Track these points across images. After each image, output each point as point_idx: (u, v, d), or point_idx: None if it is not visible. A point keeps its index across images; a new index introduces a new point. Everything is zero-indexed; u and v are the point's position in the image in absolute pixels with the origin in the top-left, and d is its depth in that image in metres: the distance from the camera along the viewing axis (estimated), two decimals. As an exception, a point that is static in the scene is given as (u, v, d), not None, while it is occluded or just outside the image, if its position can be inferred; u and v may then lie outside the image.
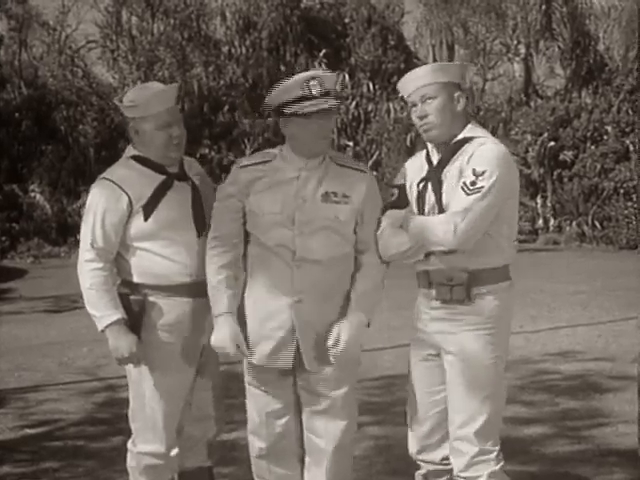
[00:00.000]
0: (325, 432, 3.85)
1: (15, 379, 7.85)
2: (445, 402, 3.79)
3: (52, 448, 5.74)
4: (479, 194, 3.53)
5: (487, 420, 3.71)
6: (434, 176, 3.72)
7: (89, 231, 3.94)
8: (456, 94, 3.74)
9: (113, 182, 3.93)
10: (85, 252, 3.95)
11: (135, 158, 4.02)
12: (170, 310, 3.95)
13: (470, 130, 3.74)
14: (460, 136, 3.71)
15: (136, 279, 3.97)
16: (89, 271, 3.93)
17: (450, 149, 3.71)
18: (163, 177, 3.97)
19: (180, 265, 3.95)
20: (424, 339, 3.81)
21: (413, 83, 3.74)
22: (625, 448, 5.39)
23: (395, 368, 7.60)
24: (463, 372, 3.70)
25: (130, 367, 4.02)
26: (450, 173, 3.67)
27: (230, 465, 4.98)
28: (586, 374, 7.48)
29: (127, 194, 3.90)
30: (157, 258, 3.94)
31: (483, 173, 3.54)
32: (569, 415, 6.24)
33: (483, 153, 3.62)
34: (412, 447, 3.94)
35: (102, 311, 3.95)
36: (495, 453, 3.74)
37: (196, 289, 3.92)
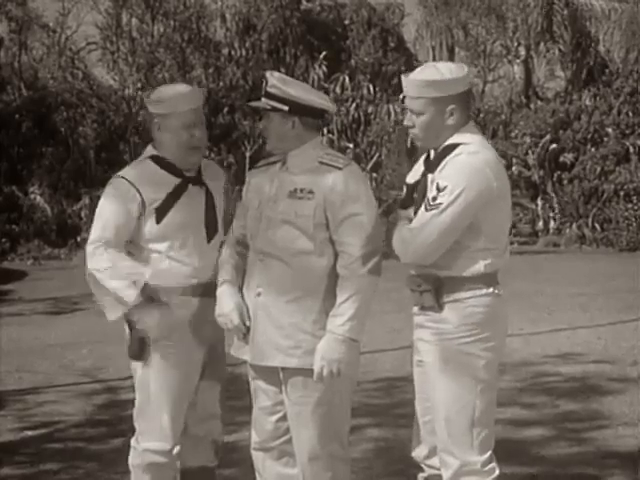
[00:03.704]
0: (297, 440, 3.78)
1: (15, 381, 7.85)
2: None
3: (52, 450, 5.74)
4: (437, 210, 3.44)
5: (465, 432, 3.57)
6: (422, 182, 3.66)
7: (99, 226, 4.00)
8: (448, 108, 3.57)
9: (128, 181, 3.97)
10: (93, 242, 3.98)
11: (153, 158, 4.05)
12: (177, 310, 3.97)
13: (459, 135, 3.59)
14: (448, 142, 3.59)
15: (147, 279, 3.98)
16: (101, 254, 3.93)
17: (437, 156, 3.62)
18: (179, 180, 3.98)
19: (189, 267, 3.98)
20: (414, 344, 3.79)
21: (406, 90, 3.65)
22: (625, 450, 5.39)
23: (395, 370, 7.60)
24: (435, 382, 3.62)
25: (137, 365, 4.03)
26: (431, 179, 3.62)
27: (231, 467, 4.98)
28: (586, 376, 7.48)
29: (141, 194, 3.93)
30: (167, 260, 3.97)
31: (444, 189, 3.45)
32: (569, 417, 6.24)
33: (452, 166, 3.51)
34: (418, 450, 3.88)
35: (124, 289, 3.88)
36: (481, 463, 3.59)
37: (202, 290, 3.97)
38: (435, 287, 3.54)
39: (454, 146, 3.55)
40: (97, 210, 4.07)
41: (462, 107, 3.60)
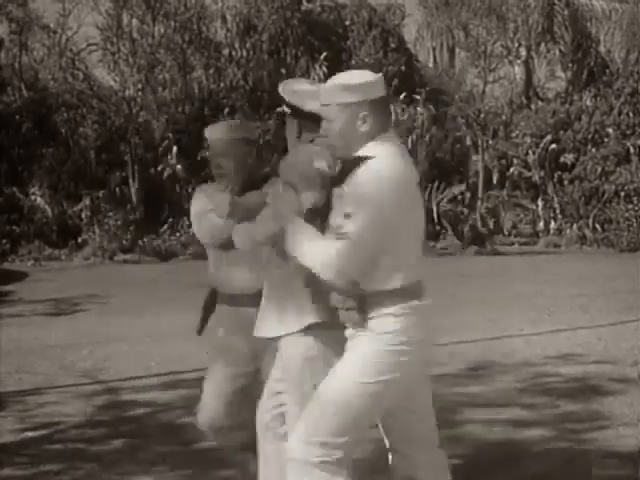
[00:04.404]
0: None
1: (15, 382, 7.85)
2: None
3: (52, 451, 5.74)
4: (345, 241, 3.35)
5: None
6: (331, 194, 3.55)
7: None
8: (361, 114, 3.43)
9: (202, 192, 4.44)
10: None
11: None
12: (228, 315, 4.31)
13: (370, 147, 3.45)
14: (358, 153, 3.45)
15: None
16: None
17: (344, 169, 3.50)
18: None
19: (235, 277, 4.27)
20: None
21: (320, 98, 3.54)
22: (625, 450, 5.39)
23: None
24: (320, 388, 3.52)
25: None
26: (337, 193, 3.50)
27: (231, 468, 4.97)
28: (586, 377, 7.48)
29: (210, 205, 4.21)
30: (219, 268, 4.35)
31: (349, 216, 3.36)
32: (569, 418, 6.24)
33: (355, 187, 3.39)
34: None
35: None
36: None
37: (247, 300, 4.15)
38: (359, 304, 3.46)
39: (361, 159, 3.43)
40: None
41: (376, 114, 3.47)
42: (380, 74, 3.54)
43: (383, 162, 3.40)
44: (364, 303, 3.44)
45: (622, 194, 22.20)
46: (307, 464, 3.45)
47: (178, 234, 21.29)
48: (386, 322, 3.42)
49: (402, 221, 3.42)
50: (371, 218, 3.34)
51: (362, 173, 3.38)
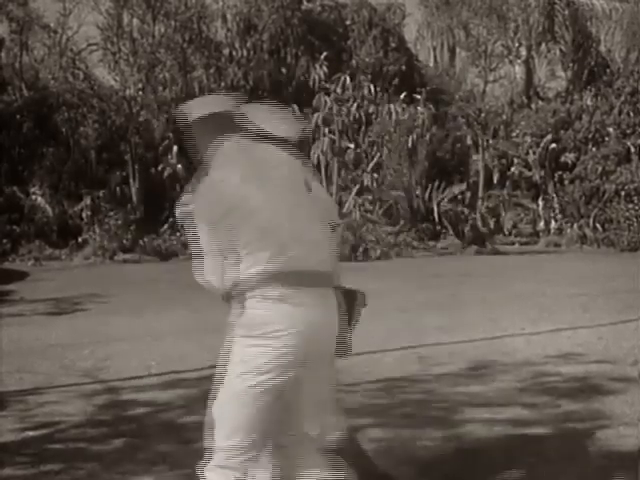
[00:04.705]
0: None
1: (16, 381, 7.84)
2: None
3: (53, 450, 5.74)
4: (201, 255, 3.57)
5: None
6: None
7: None
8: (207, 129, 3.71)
9: None
10: None
11: None
12: None
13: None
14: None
15: None
16: None
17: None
18: None
19: None
20: None
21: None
22: (626, 450, 5.39)
23: (396, 370, 7.60)
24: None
25: None
26: None
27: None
28: (587, 376, 7.47)
29: None
30: None
31: (195, 227, 3.60)
32: (570, 417, 6.23)
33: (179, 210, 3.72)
34: None
35: None
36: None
37: None
38: (227, 297, 3.57)
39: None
40: None
41: (215, 129, 3.70)
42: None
43: (211, 170, 3.61)
44: (231, 295, 3.54)
45: (622, 193, 22.20)
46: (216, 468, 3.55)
47: (178, 234, 21.26)
48: (247, 314, 3.49)
49: (239, 218, 3.51)
50: (203, 229, 3.55)
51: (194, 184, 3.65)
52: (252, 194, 3.57)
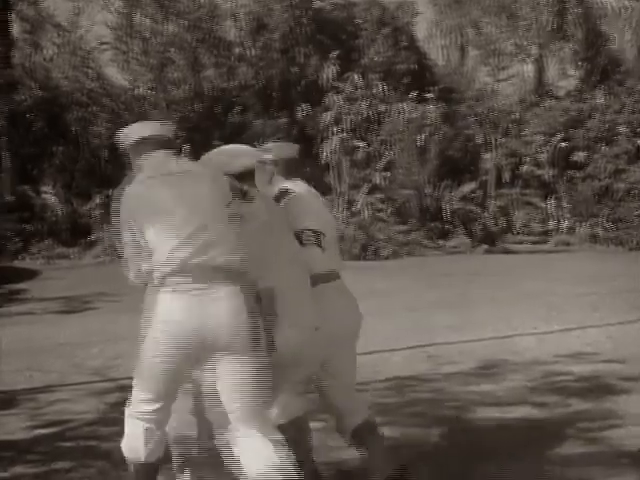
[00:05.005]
0: None
1: (27, 380, 7.88)
2: None
3: (64, 448, 5.76)
4: None
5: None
6: None
7: None
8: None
9: None
10: None
11: None
12: None
13: None
14: None
15: None
16: None
17: None
18: None
19: None
20: None
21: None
22: (636, 449, 5.39)
23: (404, 369, 7.61)
24: None
25: None
26: None
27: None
28: (597, 375, 7.47)
29: None
30: None
31: None
32: (581, 416, 6.23)
33: None
34: None
35: None
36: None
37: None
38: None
39: None
40: None
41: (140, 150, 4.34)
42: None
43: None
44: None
45: (634, 192, 22.15)
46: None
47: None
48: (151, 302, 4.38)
49: (137, 224, 4.16)
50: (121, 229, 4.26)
51: None
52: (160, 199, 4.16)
